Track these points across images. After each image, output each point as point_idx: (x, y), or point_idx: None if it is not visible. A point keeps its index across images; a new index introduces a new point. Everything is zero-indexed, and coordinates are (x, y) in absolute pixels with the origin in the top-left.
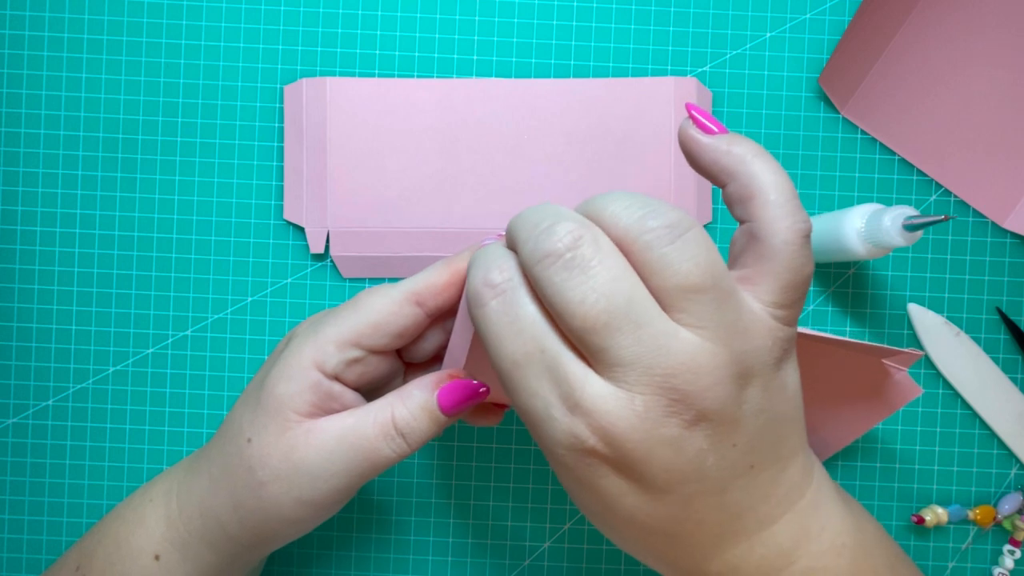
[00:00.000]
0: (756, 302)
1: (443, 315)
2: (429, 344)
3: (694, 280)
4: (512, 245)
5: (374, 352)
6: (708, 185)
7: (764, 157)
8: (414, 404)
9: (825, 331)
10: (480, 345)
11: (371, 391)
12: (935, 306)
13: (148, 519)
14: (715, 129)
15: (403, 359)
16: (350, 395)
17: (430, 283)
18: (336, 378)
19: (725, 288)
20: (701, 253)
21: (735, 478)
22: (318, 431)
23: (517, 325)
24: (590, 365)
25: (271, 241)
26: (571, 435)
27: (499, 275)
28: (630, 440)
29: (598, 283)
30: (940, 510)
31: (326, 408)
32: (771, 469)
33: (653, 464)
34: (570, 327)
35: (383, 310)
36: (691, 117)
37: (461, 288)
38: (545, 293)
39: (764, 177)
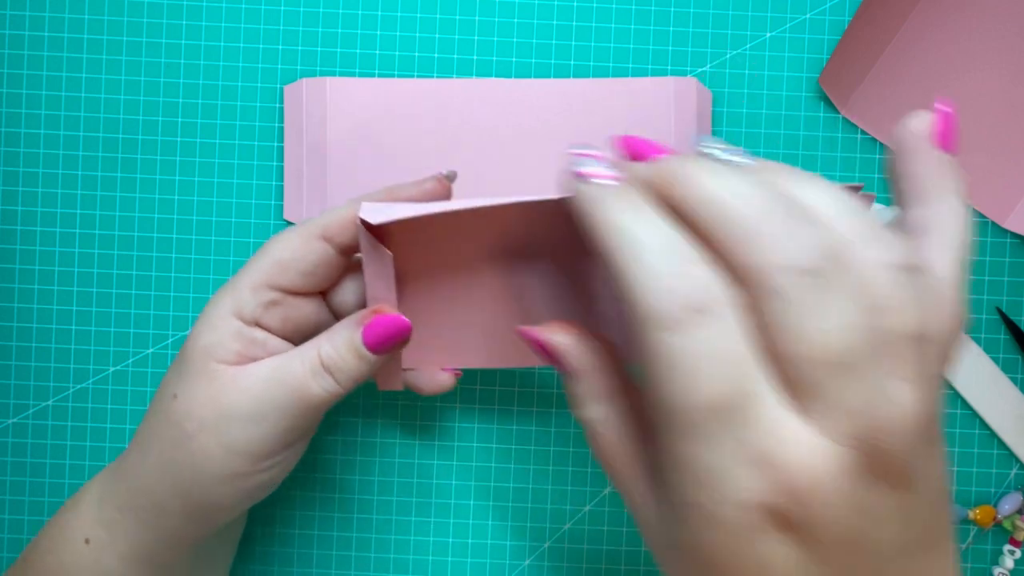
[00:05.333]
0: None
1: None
2: (349, 291)
3: (928, 329)
4: (698, 222)
5: (290, 293)
6: None
7: (964, 215)
8: (339, 341)
9: None
10: (412, 280)
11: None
12: None
13: (81, 504)
14: (952, 146)
15: (333, 311)
16: (275, 342)
17: (338, 217)
18: (257, 324)
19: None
20: (932, 300)
21: (899, 556)
22: (245, 375)
23: (724, 362)
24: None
25: None
26: (752, 491)
27: (706, 294)
28: (824, 502)
29: (853, 311)
30: None
31: (252, 356)
32: (933, 551)
33: (835, 530)
34: (795, 356)
35: (290, 246)
36: (939, 116)
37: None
38: (783, 311)
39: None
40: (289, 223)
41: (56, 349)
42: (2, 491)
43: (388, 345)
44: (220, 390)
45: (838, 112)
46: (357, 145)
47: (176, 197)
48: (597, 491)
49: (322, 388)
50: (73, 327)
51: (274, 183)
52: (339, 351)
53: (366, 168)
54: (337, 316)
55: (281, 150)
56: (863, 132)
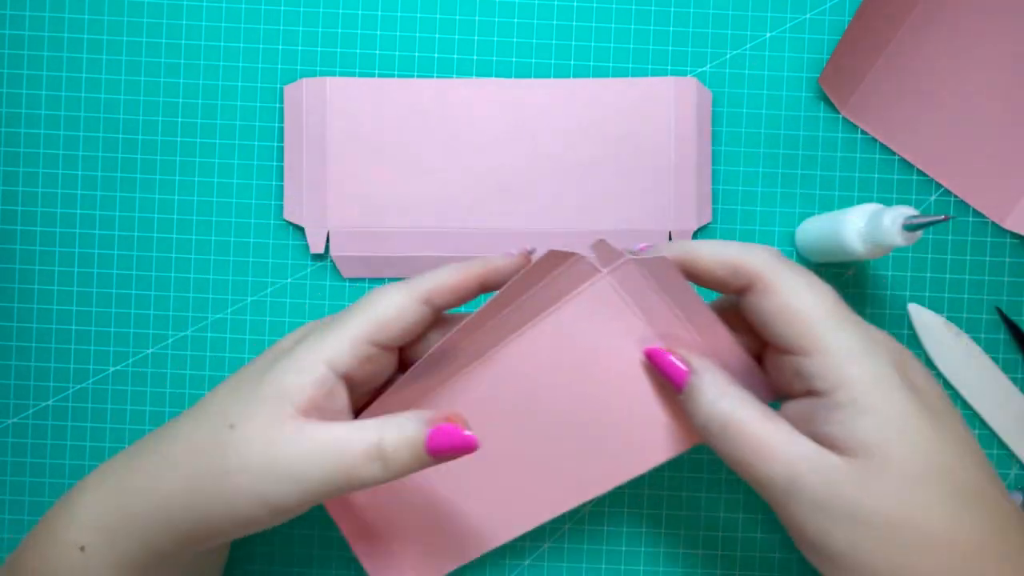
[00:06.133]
0: None
1: (444, 318)
2: (430, 343)
3: None
4: None
5: (385, 348)
6: (708, 185)
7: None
8: (405, 436)
9: None
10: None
11: (373, 389)
12: (935, 306)
13: (76, 509)
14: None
15: (407, 359)
16: (343, 402)
17: (440, 282)
18: (347, 377)
19: None
20: None
21: None
22: (305, 432)
23: None
24: None
25: (271, 241)
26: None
27: None
28: None
29: None
30: None
31: (321, 408)
32: None
33: None
34: None
35: (394, 305)
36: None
37: (469, 290)
38: None
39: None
40: (289, 223)
41: (56, 349)
42: (2, 491)
43: (448, 454)
44: (275, 439)
45: (838, 112)
46: (357, 145)
47: (176, 197)
48: None
49: (369, 473)
50: (73, 327)
51: (274, 183)
52: (398, 443)
53: (366, 168)
54: (409, 364)
55: (281, 150)
56: (863, 132)
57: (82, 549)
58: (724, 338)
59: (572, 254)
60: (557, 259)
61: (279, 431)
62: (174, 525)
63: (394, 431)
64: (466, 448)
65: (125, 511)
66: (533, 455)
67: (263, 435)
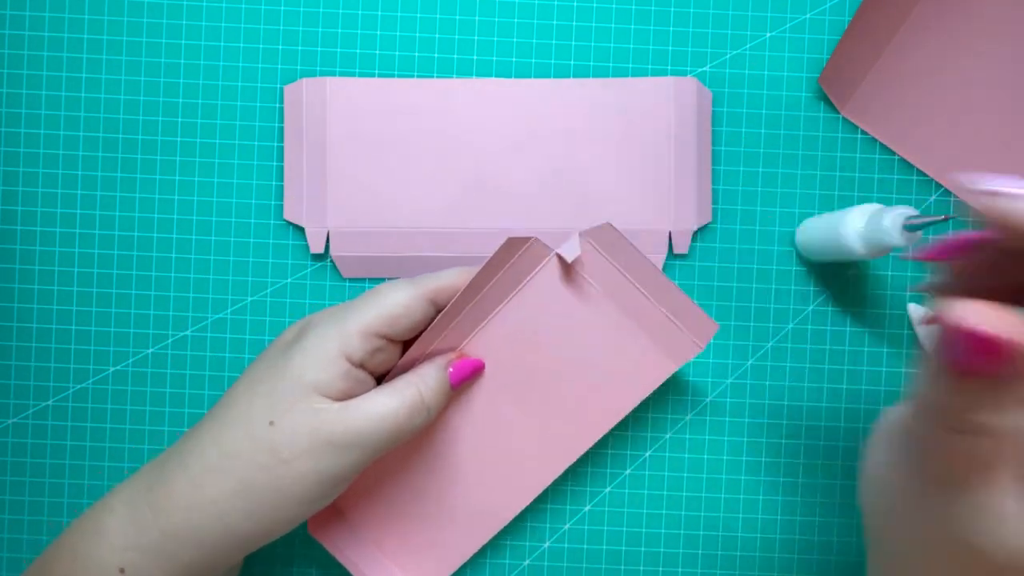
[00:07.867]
0: None
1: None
2: None
3: None
4: None
5: (392, 342)
6: (708, 185)
7: None
8: (435, 383)
9: (824, 331)
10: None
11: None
12: None
13: (109, 530)
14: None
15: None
16: (372, 381)
17: (448, 285)
18: (361, 366)
19: None
20: None
21: None
22: (352, 410)
23: None
24: None
25: (271, 241)
26: None
27: None
28: None
29: None
30: None
31: (352, 393)
32: None
33: None
34: None
35: (402, 303)
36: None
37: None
38: None
39: None
40: (289, 223)
41: (56, 349)
42: (2, 491)
43: (465, 383)
44: (324, 422)
45: (838, 112)
46: (357, 145)
47: (176, 197)
48: (597, 491)
49: (419, 422)
50: (73, 327)
51: (274, 183)
52: (435, 390)
53: (366, 168)
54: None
55: (281, 150)
56: (863, 132)
57: (121, 571)
58: (672, 289)
59: (529, 238)
60: (516, 245)
61: (323, 417)
62: (231, 529)
63: (427, 383)
64: (477, 371)
65: (167, 528)
66: (518, 432)
67: (309, 424)
